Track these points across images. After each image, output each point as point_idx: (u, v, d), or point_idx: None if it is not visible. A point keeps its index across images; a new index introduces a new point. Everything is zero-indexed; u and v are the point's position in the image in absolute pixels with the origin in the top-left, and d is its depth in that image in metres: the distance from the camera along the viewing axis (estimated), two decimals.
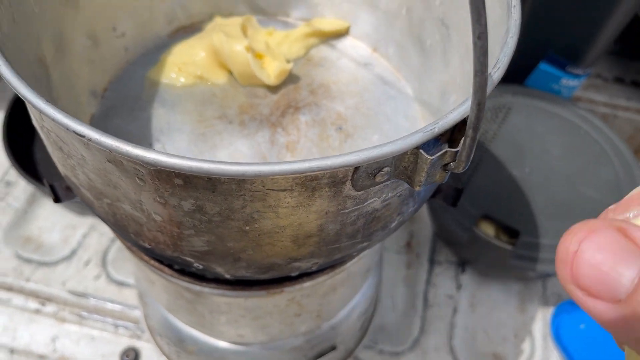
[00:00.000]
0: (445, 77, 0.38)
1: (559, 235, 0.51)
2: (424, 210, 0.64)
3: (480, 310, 0.59)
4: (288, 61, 0.42)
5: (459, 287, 0.60)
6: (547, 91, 0.65)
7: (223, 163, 0.21)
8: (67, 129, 0.22)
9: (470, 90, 0.30)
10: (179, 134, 0.37)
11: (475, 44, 0.19)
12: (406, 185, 0.27)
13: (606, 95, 0.80)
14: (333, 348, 0.48)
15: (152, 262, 0.34)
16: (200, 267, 0.29)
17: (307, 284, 0.35)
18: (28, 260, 0.58)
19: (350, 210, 0.26)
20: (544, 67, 0.64)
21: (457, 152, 0.23)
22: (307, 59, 0.43)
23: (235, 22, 0.42)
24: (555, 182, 0.56)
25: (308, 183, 0.23)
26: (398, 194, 0.27)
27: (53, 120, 0.22)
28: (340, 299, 0.42)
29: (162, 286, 0.38)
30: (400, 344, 0.55)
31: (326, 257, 0.29)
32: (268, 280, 0.34)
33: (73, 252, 0.59)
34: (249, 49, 0.39)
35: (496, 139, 0.59)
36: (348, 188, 0.24)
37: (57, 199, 0.32)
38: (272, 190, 0.23)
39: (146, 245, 0.29)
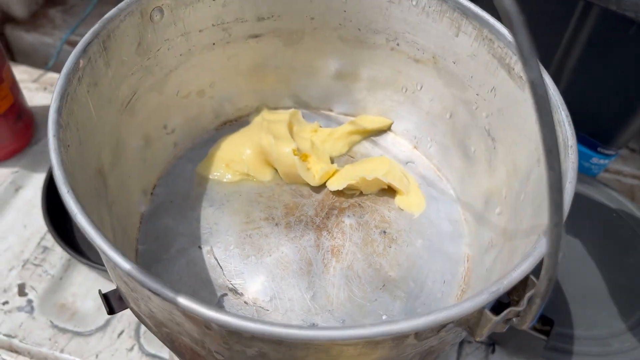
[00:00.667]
0: (490, 184, 0.39)
1: (593, 327, 0.51)
2: None
3: None
4: (332, 160, 0.43)
5: None
6: (578, 169, 0.65)
7: (295, 328, 0.21)
8: (142, 286, 0.22)
9: (517, 211, 0.30)
10: (226, 236, 0.38)
11: (551, 230, 0.20)
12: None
13: (634, 166, 0.80)
14: None
15: None
16: None
17: None
18: (63, 330, 0.58)
19: (408, 354, 0.26)
20: None
21: (519, 311, 0.24)
22: (350, 156, 0.44)
23: (281, 117, 0.43)
24: (587, 267, 0.56)
25: (372, 340, 0.24)
26: (454, 332, 0.28)
27: (142, 285, 0.22)
28: None
29: None
30: None
31: None
32: None
33: (107, 323, 0.59)
34: (296, 152, 0.40)
35: None
36: (410, 339, 0.25)
37: (111, 311, 0.33)
38: (337, 344, 0.24)
39: None
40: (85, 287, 0.62)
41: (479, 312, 0.23)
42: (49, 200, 0.64)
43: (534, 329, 0.53)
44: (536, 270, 0.24)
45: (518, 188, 0.35)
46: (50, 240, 0.65)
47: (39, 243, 0.65)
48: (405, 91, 0.44)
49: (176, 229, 0.39)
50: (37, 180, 0.70)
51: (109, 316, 0.60)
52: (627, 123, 0.61)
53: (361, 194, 0.41)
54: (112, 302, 0.34)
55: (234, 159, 0.41)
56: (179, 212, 0.40)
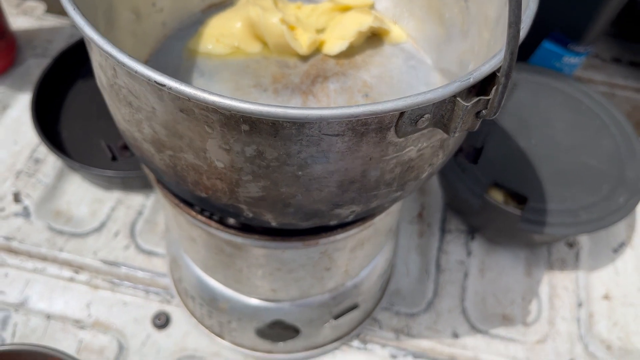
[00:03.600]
0: (463, 46, 0.41)
1: (565, 201, 0.55)
2: (435, 182, 0.67)
3: (489, 276, 0.62)
4: (317, 32, 0.45)
5: (469, 253, 0.63)
6: (550, 68, 0.68)
7: (289, 107, 0.24)
8: (149, 81, 0.24)
9: (488, 56, 0.33)
10: None
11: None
12: (438, 137, 0.30)
13: (604, 74, 0.84)
14: (355, 306, 0.51)
15: (200, 216, 0.37)
16: (250, 215, 0.33)
17: (340, 236, 0.38)
18: (60, 232, 0.60)
19: (390, 157, 0.29)
20: (547, 45, 0.67)
21: (489, 100, 0.26)
22: None
23: None
24: (559, 153, 0.60)
25: (358, 128, 0.26)
26: (431, 145, 0.31)
27: (136, 72, 0.25)
28: (365, 255, 0.46)
29: (204, 243, 0.41)
30: (415, 306, 0.59)
31: (364, 204, 0.33)
32: (305, 231, 0.38)
33: (102, 225, 0.62)
34: (283, 21, 0.42)
35: (503, 113, 0.62)
36: (391, 134, 0.27)
37: (114, 158, 0.35)
38: (327, 135, 0.26)
39: (202, 194, 0.32)
40: (78, 195, 0.64)
41: (452, 101, 0.26)
42: (38, 114, 0.65)
43: (509, 205, 0.56)
44: None
45: (488, 36, 0.37)
46: (42, 153, 0.67)
47: (30, 156, 0.66)
48: None
49: None
50: (23, 100, 0.71)
51: (105, 219, 0.62)
52: (595, 18, 0.64)
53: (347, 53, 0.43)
54: (115, 151, 0.36)
55: (223, 33, 0.43)
56: None
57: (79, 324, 0.55)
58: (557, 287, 0.61)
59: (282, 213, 0.32)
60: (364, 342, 0.56)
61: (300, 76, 0.43)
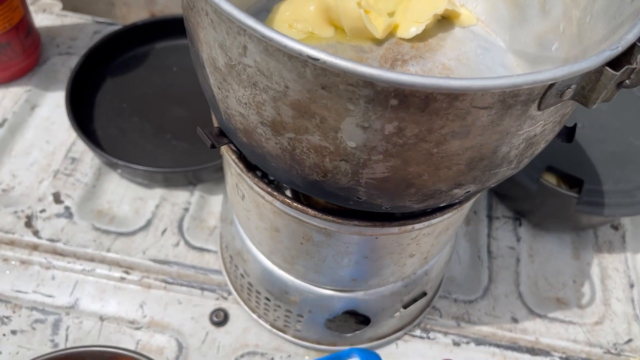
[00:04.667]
0: (542, 26, 0.41)
1: (619, 182, 0.55)
2: None
3: (538, 260, 0.62)
4: (390, 17, 0.44)
5: (518, 239, 0.63)
6: None
7: (451, 79, 0.23)
8: (300, 55, 0.24)
9: (581, 35, 0.33)
10: None
11: None
12: (562, 112, 0.30)
13: None
14: (424, 294, 0.50)
15: (296, 204, 0.36)
16: (363, 198, 0.32)
17: (435, 220, 0.38)
18: (106, 232, 0.59)
19: (523, 131, 0.28)
20: None
21: (634, 68, 0.26)
22: None
23: None
24: (606, 135, 0.60)
25: (508, 100, 0.26)
26: (554, 120, 0.30)
27: (285, 47, 0.24)
28: (445, 241, 0.45)
29: (289, 232, 0.40)
30: (473, 293, 0.58)
31: (482, 183, 0.32)
32: (405, 216, 0.37)
33: (148, 223, 0.60)
34: (360, 4, 0.41)
35: None
36: (534, 107, 0.27)
37: (213, 145, 0.34)
38: (476, 107, 0.25)
39: (319, 177, 0.31)
40: (119, 194, 0.63)
41: (599, 71, 0.26)
42: (75, 111, 0.63)
43: (563, 189, 0.56)
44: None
45: (580, 15, 0.37)
46: (77, 152, 0.65)
47: (66, 155, 0.65)
48: None
49: None
50: (51, 99, 0.69)
51: (150, 216, 0.60)
52: None
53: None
54: (212, 138, 0.35)
55: (297, 19, 0.42)
56: None
57: (134, 324, 0.54)
58: (608, 268, 0.62)
59: (400, 195, 0.31)
60: (426, 331, 0.55)
61: (379, 60, 0.42)
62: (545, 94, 0.26)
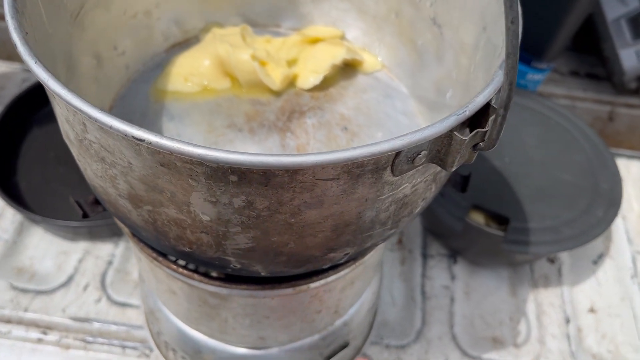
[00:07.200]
0: (439, 73, 0.41)
1: (545, 218, 0.54)
2: None
3: (475, 298, 0.61)
4: (289, 67, 0.43)
5: (453, 277, 0.62)
6: (516, 86, 0.69)
7: (282, 155, 0.22)
8: (126, 135, 0.23)
9: (469, 82, 0.32)
10: None
11: (508, 28, 0.21)
12: (431, 171, 0.29)
13: (564, 88, 0.85)
14: (346, 345, 0.49)
15: (181, 270, 0.35)
16: (238, 266, 0.30)
17: (332, 278, 0.37)
18: (24, 290, 0.57)
19: (386, 196, 0.28)
20: None
21: (485, 132, 0.25)
22: None
23: (233, 31, 0.43)
24: (533, 169, 0.60)
25: (354, 170, 0.25)
26: (425, 180, 0.29)
27: (111, 128, 0.23)
28: (355, 293, 0.44)
29: (185, 295, 0.39)
30: (405, 337, 0.57)
31: (359, 245, 0.31)
32: (295, 277, 0.36)
33: (70, 278, 0.58)
34: (254, 57, 0.40)
35: None
36: (387, 174, 0.26)
37: (85, 215, 0.33)
38: (321, 179, 0.25)
39: (186, 248, 0.30)
40: (42, 248, 0.61)
41: (449, 136, 0.25)
42: None
43: (490, 227, 0.55)
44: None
45: (467, 63, 0.37)
46: None
47: None
48: None
49: None
50: None
51: (72, 272, 0.59)
52: (557, 35, 0.65)
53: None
54: (85, 207, 0.33)
55: (192, 72, 0.41)
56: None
57: None
58: (543, 304, 0.61)
59: (273, 262, 0.30)
60: None
61: (276, 113, 0.41)
62: (394, 162, 0.25)
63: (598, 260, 0.65)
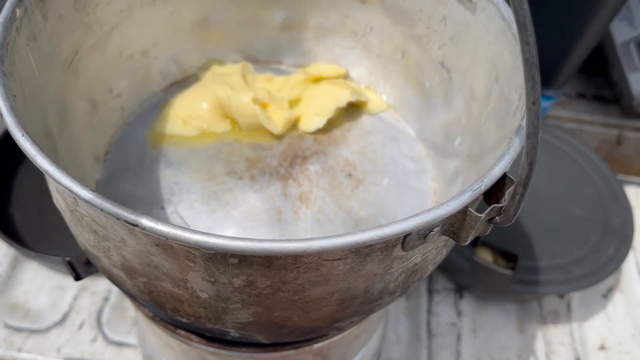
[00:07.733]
0: (447, 117, 0.39)
1: (555, 256, 0.52)
2: None
3: (482, 335, 0.59)
4: (291, 108, 0.42)
5: (459, 313, 0.60)
6: None
7: (285, 241, 0.21)
8: (118, 218, 0.21)
9: (480, 132, 0.30)
10: (189, 194, 0.37)
11: (529, 109, 0.20)
12: (442, 238, 0.28)
13: (571, 111, 0.83)
14: None
15: (179, 330, 0.33)
16: (238, 335, 0.29)
17: (336, 338, 0.35)
18: (18, 329, 0.55)
19: (395, 269, 0.26)
20: None
21: (502, 207, 0.24)
22: None
23: (233, 69, 0.42)
24: (543, 203, 0.58)
25: (362, 250, 0.23)
26: (436, 247, 0.28)
27: (102, 210, 0.21)
28: (359, 345, 0.42)
29: (183, 352, 0.37)
30: None
31: (366, 314, 0.29)
32: (299, 340, 0.34)
33: (65, 316, 0.56)
34: (255, 100, 0.39)
35: None
36: (398, 250, 0.24)
37: (77, 277, 0.31)
38: (327, 260, 0.23)
39: (184, 320, 0.28)
40: (36, 284, 0.59)
41: (463, 212, 0.23)
42: None
43: (499, 265, 0.54)
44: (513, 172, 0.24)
45: (478, 111, 0.35)
46: None
47: None
48: (355, 36, 0.43)
49: (135, 193, 0.37)
50: None
51: (67, 309, 0.57)
52: (566, 63, 0.63)
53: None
54: (78, 268, 0.32)
55: (191, 115, 0.40)
56: (136, 175, 0.38)
57: None
58: (552, 342, 0.59)
59: (275, 334, 0.28)
60: None
61: (277, 158, 0.39)
62: (405, 240, 0.24)
63: (608, 293, 0.63)
